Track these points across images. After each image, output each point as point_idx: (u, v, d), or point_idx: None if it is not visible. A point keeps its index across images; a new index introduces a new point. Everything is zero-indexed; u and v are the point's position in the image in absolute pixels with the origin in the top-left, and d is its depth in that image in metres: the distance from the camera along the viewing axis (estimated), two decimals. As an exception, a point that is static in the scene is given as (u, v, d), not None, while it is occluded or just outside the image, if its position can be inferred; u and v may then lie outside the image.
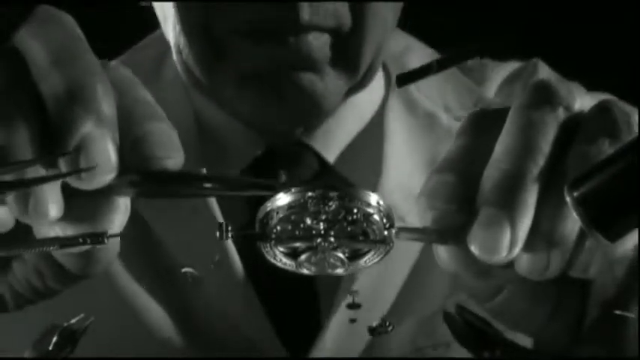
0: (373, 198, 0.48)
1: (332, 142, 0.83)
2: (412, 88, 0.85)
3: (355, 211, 0.48)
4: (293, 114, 0.77)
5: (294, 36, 0.73)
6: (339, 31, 0.75)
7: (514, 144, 0.50)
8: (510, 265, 0.51)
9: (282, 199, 0.48)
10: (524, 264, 0.51)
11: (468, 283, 0.57)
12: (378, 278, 0.79)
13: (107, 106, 0.47)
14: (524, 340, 0.60)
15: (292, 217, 0.48)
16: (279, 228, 0.48)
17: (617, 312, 0.54)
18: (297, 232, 0.48)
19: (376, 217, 0.48)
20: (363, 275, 0.79)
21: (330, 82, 0.76)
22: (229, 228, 0.49)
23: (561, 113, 0.51)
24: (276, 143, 0.82)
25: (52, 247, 0.49)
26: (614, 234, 0.49)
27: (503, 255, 0.49)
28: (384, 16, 0.77)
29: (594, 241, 0.49)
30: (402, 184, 0.81)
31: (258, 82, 0.75)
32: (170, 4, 0.75)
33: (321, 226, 0.48)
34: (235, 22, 0.73)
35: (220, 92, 0.78)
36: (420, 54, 0.88)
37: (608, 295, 0.56)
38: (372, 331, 0.55)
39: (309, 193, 0.47)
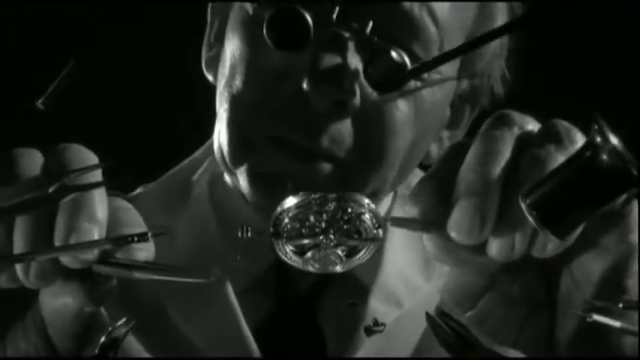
0: (364, 200, 0.61)
1: None
2: None
3: (349, 210, 0.60)
4: None
5: (310, 157, 0.85)
6: (347, 164, 0.86)
7: (481, 151, 0.63)
8: (483, 252, 0.64)
9: (291, 200, 0.60)
10: (494, 247, 0.63)
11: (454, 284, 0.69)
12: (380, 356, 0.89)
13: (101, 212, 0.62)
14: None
15: (299, 216, 0.60)
16: (289, 226, 0.60)
17: (590, 319, 0.65)
18: (303, 230, 0.60)
19: (367, 216, 0.60)
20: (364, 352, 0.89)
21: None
22: (249, 229, 0.61)
23: (516, 130, 0.65)
24: None
25: (105, 247, 0.61)
26: (561, 233, 0.61)
27: (475, 236, 0.62)
28: (393, 160, 0.87)
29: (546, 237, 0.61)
30: (400, 272, 0.92)
31: (271, 181, 0.87)
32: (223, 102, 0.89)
33: (323, 224, 0.60)
34: (267, 132, 0.86)
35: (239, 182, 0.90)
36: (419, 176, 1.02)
37: (573, 305, 0.67)
38: (367, 330, 0.66)
39: (313, 196, 0.60)
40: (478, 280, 0.70)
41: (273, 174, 0.85)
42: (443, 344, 0.66)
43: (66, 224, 0.61)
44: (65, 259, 0.63)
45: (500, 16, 0.91)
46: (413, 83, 0.84)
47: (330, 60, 0.82)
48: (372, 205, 0.62)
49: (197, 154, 1.02)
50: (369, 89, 0.84)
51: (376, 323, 0.67)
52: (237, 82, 0.87)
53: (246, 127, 0.87)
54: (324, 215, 0.60)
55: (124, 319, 0.66)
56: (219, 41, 0.94)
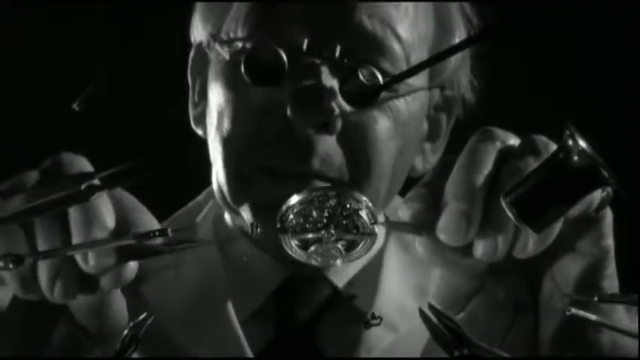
0: (362, 197, 0.68)
1: (343, 274, 1.00)
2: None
3: (348, 206, 0.67)
4: None
5: (305, 181, 0.92)
6: (340, 181, 0.95)
7: (467, 162, 0.71)
8: (470, 253, 0.71)
9: (295, 198, 0.68)
10: (479, 248, 0.70)
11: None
12: None
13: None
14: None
15: (303, 212, 0.67)
16: (294, 222, 0.67)
17: (569, 312, 0.71)
18: (307, 226, 0.67)
19: (364, 212, 0.67)
20: None
21: None
22: (258, 225, 0.68)
23: (499, 144, 0.72)
24: (296, 272, 1.00)
25: (129, 241, 0.68)
26: (539, 227, 0.68)
27: (462, 238, 0.69)
28: (381, 172, 0.95)
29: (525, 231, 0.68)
30: (395, 299, 0.98)
31: (273, 210, 0.94)
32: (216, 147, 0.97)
33: (324, 220, 0.67)
34: (261, 164, 0.93)
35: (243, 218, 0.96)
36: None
37: (556, 307, 0.74)
38: (366, 324, 0.72)
39: (315, 192, 0.67)
40: (466, 284, 0.76)
41: (274, 203, 0.92)
42: (435, 339, 0.72)
43: (81, 236, 0.68)
44: (86, 267, 0.69)
45: (458, 29, 1.00)
46: (388, 97, 0.92)
47: (307, 86, 0.89)
48: (369, 203, 0.69)
49: (199, 198, 1.10)
50: (347, 109, 0.91)
51: (374, 317, 0.73)
52: (226, 125, 0.94)
53: (240, 164, 0.94)
54: (326, 211, 0.67)
55: (142, 316, 0.72)
56: (203, 98, 1.02)
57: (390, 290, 1.00)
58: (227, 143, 0.94)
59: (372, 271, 1.02)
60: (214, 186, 0.99)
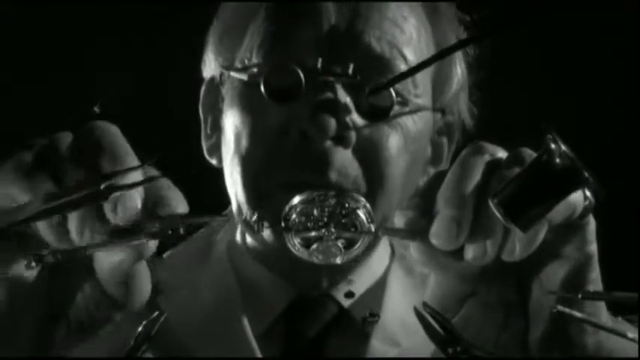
0: (359, 197, 0.73)
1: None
2: (410, 258, 1.09)
3: (347, 205, 0.73)
4: None
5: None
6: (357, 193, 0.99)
7: (458, 172, 0.76)
8: (461, 257, 0.75)
9: (297, 198, 0.73)
10: (469, 251, 0.75)
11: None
12: None
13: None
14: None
15: (305, 211, 0.72)
16: (297, 220, 0.73)
17: (555, 309, 0.76)
18: (308, 224, 0.73)
19: (361, 211, 0.73)
20: None
21: None
22: (264, 222, 0.73)
23: (488, 157, 0.77)
24: (306, 293, 1.05)
25: (141, 241, 0.72)
26: (524, 225, 0.73)
27: (453, 242, 0.74)
28: (393, 185, 1.01)
29: (512, 230, 0.73)
30: (399, 317, 1.03)
31: None
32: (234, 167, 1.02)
33: (325, 218, 0.72)
34: (280, 180, 0.97)
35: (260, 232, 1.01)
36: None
37: (543, 309, 0.78)
38: (363, 321, 0.77)
39: (315, 193, 0.73)
40: (459, 288, 0.81)
41: None
42: (430, 336, 0.77)
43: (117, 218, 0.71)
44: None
45: (457, 57, 1.07)
46: (397, 115, 0.98)
47: (324, 100, 0.95)
48: (367, 204, 0.74)
49: (214, 223, 1.15)
50: (361, 123, 0.97)
51: (371, 314, 0.78)
52: (245, 145, 1.00)
53: (259, 181, 0.99)
54: (326, 210, 0.73)
55: (154, 314, 0.77)
56: (216, 130, 1.09)
57: (394, 309, 1.05)
58: (246, 162, 1.00)
59: (377, 292, 1.07)
60: (233, 207, 1.04)
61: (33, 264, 0.73)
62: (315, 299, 1.05)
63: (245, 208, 1.01)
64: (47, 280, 0.74)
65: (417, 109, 1.00)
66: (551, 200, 0.73)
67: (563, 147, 0.71)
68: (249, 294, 1.06)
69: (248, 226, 1.02)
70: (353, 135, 0.97)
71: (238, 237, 1.09)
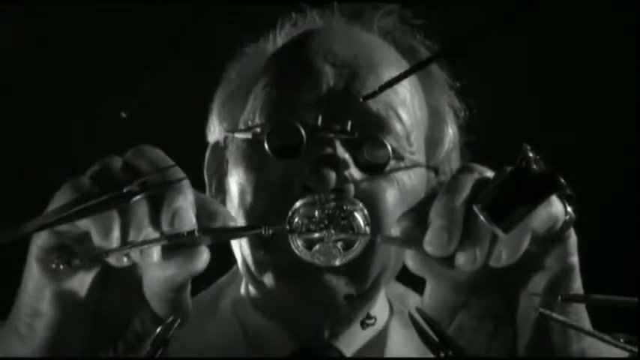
0: (357, 201, 0.81)
1: (351, 344, 1.10)
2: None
3: (345, 208, 0.80)
4: (313, 303, 1.06)
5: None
6: None
7: (449, 187, 0.83)
8: (452, 264, 0.82)
9: (299, 202, 0.81)
10: (460, 258, 0.82)
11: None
12: None
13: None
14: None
15: (307, 213, 0.80)
16: (299, 222, 0.80)
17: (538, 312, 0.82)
18: (310, 227, 0.80)
19: (358, 213, 0.80)
20: None
21: (344, 284, 1.07)
22: (269, 228, 0.80)
23: (476, 175, 0.85)
24: (307, 343, 1.10)
25: (163, 242, 0.80)
26: (506, 227, 0.80)
27: (444, 250, 0.81)
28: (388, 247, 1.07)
29: (495, 233, 0.80)
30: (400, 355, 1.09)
31: (291, 276, 1.05)
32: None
33: (325, 220, 0.80)
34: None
35: (263, 283, 1.07)
36: (413, 299, 1.19)
37: (529, 319, 0.85)
38: (362, 323, 0.83)
39: (316, 196, 0.80)
40: (452, 298, 0.87)
41: (295, 264, 0.98)
42: (424, 341, 0.82)
43: (169, 207, 0.80)
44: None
45: (448, 117, 1.16)
46: (394, 170, 1.05)
47: (324, 156, 1.02)
48: (365, 209, 0.82)
49: (223, 279, 1.21)
50: (359, 177, 1.03)
51: (369, 317, 0.84)
52: (249, 199, 1.06)
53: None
54: (326, 212, 0.80)
55: (169, 319, 0.82)
56: (220, 192, 1.16)
57: (396, 352, 1.10)
58: (250, 215, 1.06)
59: (378, 343, 1.12)
60: (239, 260, 1.10)
61: (61, 266, 0.80)
62: (317, 349, 1.10)
63: (249, 260, 1.07)
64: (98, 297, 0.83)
65: (412, 165, 1.08)
66: (530, 203, 0.80)
67: (539, 155, 0.79)
68: (254, 344, 1.12)
69: (252, 277, 1.08)
70: (352, 188, 1.03)
71: (242, 290, 1.15)
